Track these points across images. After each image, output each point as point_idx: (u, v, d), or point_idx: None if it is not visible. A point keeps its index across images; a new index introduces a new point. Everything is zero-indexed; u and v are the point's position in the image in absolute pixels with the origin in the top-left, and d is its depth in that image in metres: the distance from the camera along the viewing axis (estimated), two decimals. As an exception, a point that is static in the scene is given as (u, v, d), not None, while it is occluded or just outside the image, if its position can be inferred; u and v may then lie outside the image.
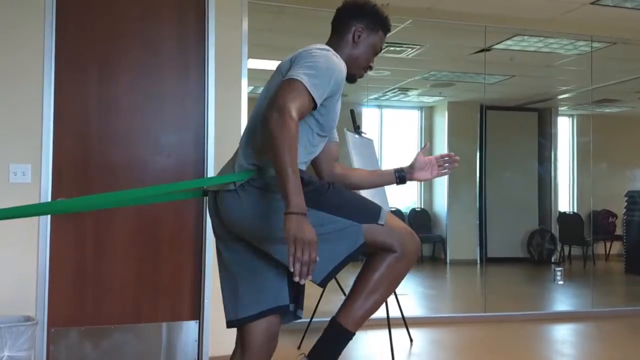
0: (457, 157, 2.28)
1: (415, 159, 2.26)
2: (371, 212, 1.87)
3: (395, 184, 2.29)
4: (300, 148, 1.84)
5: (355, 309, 1.86)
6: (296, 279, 1.61)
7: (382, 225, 1.85)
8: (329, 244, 1.77)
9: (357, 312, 1.86)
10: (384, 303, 2.03)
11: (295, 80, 1.78)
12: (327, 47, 1.97)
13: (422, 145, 2.27)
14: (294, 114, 1.71)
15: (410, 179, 2.28)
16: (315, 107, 1.82)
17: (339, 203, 1.87)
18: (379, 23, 2.12)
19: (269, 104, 1.85)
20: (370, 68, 2.17)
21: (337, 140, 2.23)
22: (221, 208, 1.93)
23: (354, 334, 1.87)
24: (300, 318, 2.05)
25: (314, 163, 2.17)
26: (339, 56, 1.96)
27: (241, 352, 2.00)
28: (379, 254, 1.88)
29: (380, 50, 2.17)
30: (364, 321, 1.89)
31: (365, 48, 2.10)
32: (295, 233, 1.59)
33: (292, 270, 1.60)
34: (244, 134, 2.05)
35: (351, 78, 2.09)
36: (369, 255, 1.92)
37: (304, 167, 1.95)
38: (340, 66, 1.92)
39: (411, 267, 1.94)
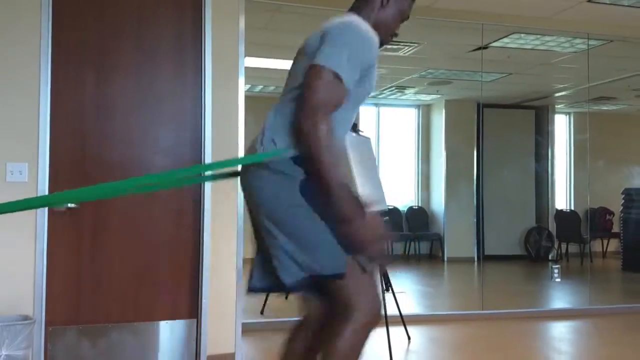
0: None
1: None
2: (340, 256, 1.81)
3: None
4: (340, 128, 1.88)
5: None
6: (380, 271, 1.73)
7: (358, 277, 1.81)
8: (312, 255, 1.79)
9: None
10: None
11: (320, 67, 1.74)
12: (354, 18, 1.89)
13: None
14: (324, 112, 1.70)
15: None
16: (346, 91, 1.78)
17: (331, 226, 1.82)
18: None
19: (297, 99, 1.80)
20: (396, 35, 2.08)
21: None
22: (252, 188, 1.91)
23: None
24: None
25: None
26: (368, 25, 1.89)
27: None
28: (338, 324, 1.83)
29: (408, 17, 2.08)
30: None
31: (394, 12, 2.01)
32: (366, 233, 1.71)
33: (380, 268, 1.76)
34: (273, 109, 1.98)
35: (379, 44, 2.00)
36: (328, 304, 1.90)
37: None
38: (372, 40, 1.86)
39: (366, 340, 1.89)
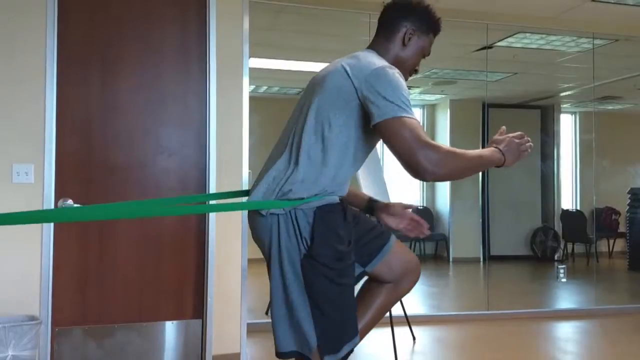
0: (428, 226, 2.17)
1: (394, 205, 2.20)
2: (337, 343, 1.87)
3: (361, 210, 2.26)
4: (345, 168, 1.87)
5: None
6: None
7: None
8: (298, 316, 1.84)
9: None
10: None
11: (398, 120, 1.70)
12: (387, 64, 1.85)
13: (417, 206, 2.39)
14: (434, 148, 1.67)
15: (377, 217, 2.23)
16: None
17: (330, 304, 1.85)
18: (432, 26, 2.03)
19: (400, 156, 1.72)
20: (416, 72, 2.08)
21: None
22: (257, 229, 1.93)
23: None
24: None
25: None
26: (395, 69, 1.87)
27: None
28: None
29: (429, 54, 2.08)
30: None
31: (415, 51, 2.01)
32: (518, 156, 1.88)
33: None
34: (278, 153, 1.94)
35: None
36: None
37: (346, 189, 1.95)
38: (404, 82, 1.85)
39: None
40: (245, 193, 2.16)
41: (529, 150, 1.90)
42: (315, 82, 1.94)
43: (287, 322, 1.85)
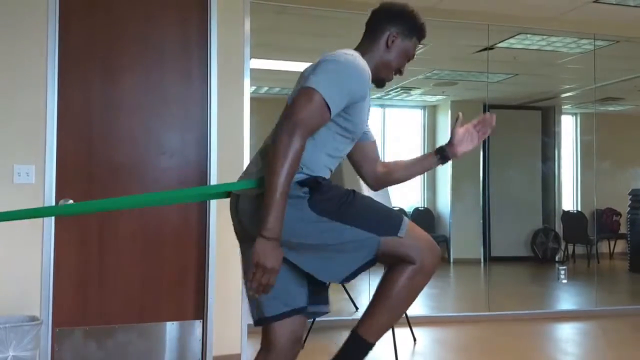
0: (493, 116, 2.25)
1: (453, 134, 2.22)
2: (392, 223, 1.86)
3: (439, 165, 2.27)
4: (323, 154, 1.91)
5: (376, 321, 1.90)
6: (250, 293, 1.77)
7: (402, 237, 1.84)
8: (344, 254, 1.83)
9: (377, 324, 1.91)
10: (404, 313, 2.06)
11: (312, 90, 1.77)
12: (353, 52, 1.94)
13: (454, 121, 2.25)
14: (303, 131, 1.73)
15: (454, 156, 2.23)
16: (330, 117, 1.81)
17: (358, 213, 1.84)
18: (415, 30, 2.07)
19: (283, 112, 1.85)
20: (401, 73, 2.13)
21: (375, 139, 2.26)
22: (241, 211, 1.92)
23: (374, 344, 1.92)
24: (327, 312, 2.09)
25: (357, 167, 2.22)
26: (364, 62, 1.92)
27: (265, 353, 1.99)
28: (399, 266, 1.89)
29: (413, 56, 2.12)
30: (384, 332, 1.94)
31: (398, 54, 2.06)
32: (260, 259, 1.70)
33: (247, 288, 1.75)
34: (269, 136, 2.00)
35: (380, 82, 2.08)
36: (388, 264, 1.92)
37: (327, 173, 1.95)
38: (364, 74, 1.88)
39: (429, 279, 1.95)
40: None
41: (255, 286, 1.74)
42: (301, 75, 2.01)
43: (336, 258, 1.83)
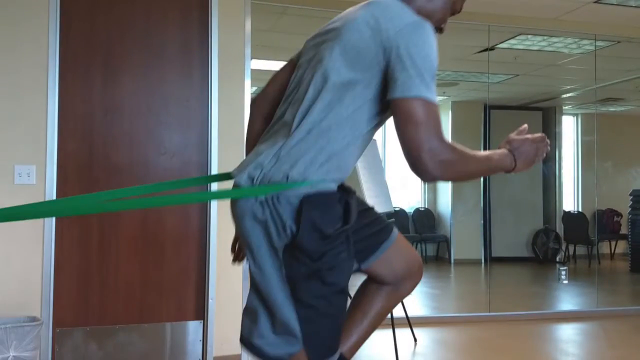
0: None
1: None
2: (325, 350, 1.64)
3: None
4: (351, 149, 1.57)
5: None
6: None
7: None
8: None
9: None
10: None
11: (425, 101, 1.45)
12: (424, 20, 1.53)
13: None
14: (447, 149, 1.46)
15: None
16: None
17: (307, 298, 1.55)
18: None
19: (406, 145, 1.47)
20: (441, 31, 1.72)
21: None
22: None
23: None
24: None
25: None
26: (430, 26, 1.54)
27: None
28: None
29: (460, 10, 1.73)
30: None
31: (444, 5, 1.67)
32: (529, 157, 1.69)
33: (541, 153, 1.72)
34: (288, 119, 1.60)
35: None
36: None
37: (347, 173, 1.62)
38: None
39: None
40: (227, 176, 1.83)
41: (544, 155, 1.73)
42: (326, 39, 1.61)
43: (271, 319, 1.63)
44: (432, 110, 1.46)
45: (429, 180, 1.49)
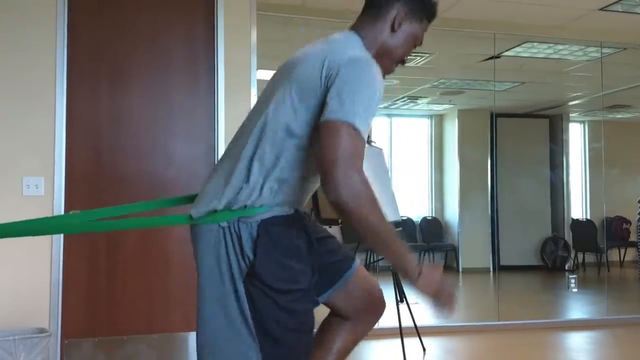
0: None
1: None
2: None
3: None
4: (301, 176, 1.62)
5: None
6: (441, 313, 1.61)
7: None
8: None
9: None
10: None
11: (351, 128, 1.47)
12: (369, 58, 1.61)
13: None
14: (355, 165, 1.45)
15: None
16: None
17: (266, 326, 1.57)
18: (427, 10, 1.73)
19: (321, 162, 1.49)
20: (404, 63, 1.78)
21: None
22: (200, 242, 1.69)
23: None
24: None
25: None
26: (375, 64, 1.60)
27: None
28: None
29: (421, 43, 1.78)
30: None
31: (405, 39, 1.72)
32: (432, 288, 1.55)
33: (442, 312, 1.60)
34: (236, 151, 1.67)
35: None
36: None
37: (304, 200, 1.71)
38: (381, 82, 1.58)
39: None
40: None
41: (445, 306, 1.60)
42: (282, 71, 1.71)
43: (229, 349, 1.58)
44: (356, 138, 1.48)
45: (332, 199, 1.46)
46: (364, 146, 1.51)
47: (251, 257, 1.56)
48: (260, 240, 1.55)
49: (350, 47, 1.62)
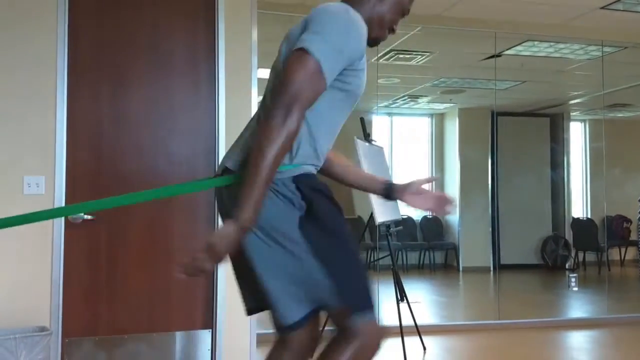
0: (453, 201, 1.99)
1: (413, 182, 2.00)
2: (364, 302, 1.69)
3: (379, 195, 2.05)
4: (322, 133, 1.72)
5: None
6: (179, 271, 1.65)
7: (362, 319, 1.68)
8: (295, 289, 1.68)
9: None
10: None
11: (306, 54, 1.57)
12: (346, 7, 1.71)
13: (433, 175, 1.99)
14: (301, 106, 1.55)
15: (400, 199, 2.02)
16: (325, 86, 1.62)
17: (343, 265, 1.66)
18: None
19: (274, 85, 1.66)
20: (394, 31, 1.88)
21: None
22: (225, 191, 1.76)
23: None
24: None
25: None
26: (358, 15, 1.70)
27: (281, 349, 1.89)
28: (339, 342, 1.76)
29: (408, 11, 1.88)
30: None
31: (392, 6, 1.82)
32: (217, 242, 1.58)
33: (181, 265, 1.64)
34: (252, 119, 1.83)
35: (372, 42, 1.82)
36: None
37: (321, 161, 1.77)
38: (363, 29, 1.68)
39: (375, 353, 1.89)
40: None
41: (199, 265, 1.66)
42: (285, 40, 1.81)
43: (294, 288, 1.67)
44: (311, 63, 1.57)
45: (265, 117, 1.56)
46: (321, 86, 1.60)
47: (303, 202, 1.66)
48: (304, 188, 1.66)
49: (330, 3, 1.73)
